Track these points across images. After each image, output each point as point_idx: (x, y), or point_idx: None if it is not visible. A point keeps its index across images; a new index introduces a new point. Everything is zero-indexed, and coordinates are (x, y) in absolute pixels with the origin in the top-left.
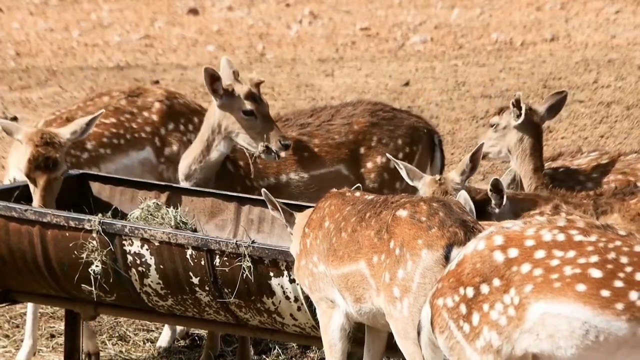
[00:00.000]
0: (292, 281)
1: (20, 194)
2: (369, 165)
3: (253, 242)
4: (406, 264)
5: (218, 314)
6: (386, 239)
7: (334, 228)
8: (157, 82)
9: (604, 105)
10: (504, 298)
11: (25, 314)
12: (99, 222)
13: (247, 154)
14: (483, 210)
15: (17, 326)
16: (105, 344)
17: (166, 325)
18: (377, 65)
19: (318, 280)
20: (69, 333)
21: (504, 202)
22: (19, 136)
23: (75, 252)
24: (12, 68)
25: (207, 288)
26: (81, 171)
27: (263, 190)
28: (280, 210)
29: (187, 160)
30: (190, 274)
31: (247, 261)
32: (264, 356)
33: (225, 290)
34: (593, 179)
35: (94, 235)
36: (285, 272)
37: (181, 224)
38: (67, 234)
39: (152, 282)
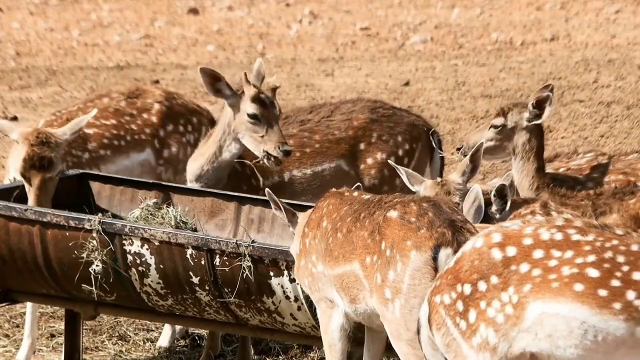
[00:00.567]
0: (292, 281)
1: (21, 193)
2: (369, 161)
3: (253, 241)
4: (396, 266)
5: (218, 313)
6: (378, 240)
7: (331, 228)
8: (157, 82)
9: (604, 105)
10: (502, 296)
11: (25, 313)
12: (99, 221)
13: (250, 156)
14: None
15: (17, 326)
16: (105, 344)
17: (166, 325)
18: (377, 65)
19: (317, 280)
20: (68, 333)
21: (507, 208)
22: (14, 136)
23: (75, 251)
24: (12, 68)
25: (207, 288)
26: (81, 171)
27: (266, 190)
28: (283, 210)
29: (200, 161)
30: (191, 273)
31: (247, 261)
32: (264, 356)
33: (225, 289)
34: (593, 178)
35: (94, 235)
36: (285, 272)
37: (181, 223)
38: (67, 234)
39: (152, 281)
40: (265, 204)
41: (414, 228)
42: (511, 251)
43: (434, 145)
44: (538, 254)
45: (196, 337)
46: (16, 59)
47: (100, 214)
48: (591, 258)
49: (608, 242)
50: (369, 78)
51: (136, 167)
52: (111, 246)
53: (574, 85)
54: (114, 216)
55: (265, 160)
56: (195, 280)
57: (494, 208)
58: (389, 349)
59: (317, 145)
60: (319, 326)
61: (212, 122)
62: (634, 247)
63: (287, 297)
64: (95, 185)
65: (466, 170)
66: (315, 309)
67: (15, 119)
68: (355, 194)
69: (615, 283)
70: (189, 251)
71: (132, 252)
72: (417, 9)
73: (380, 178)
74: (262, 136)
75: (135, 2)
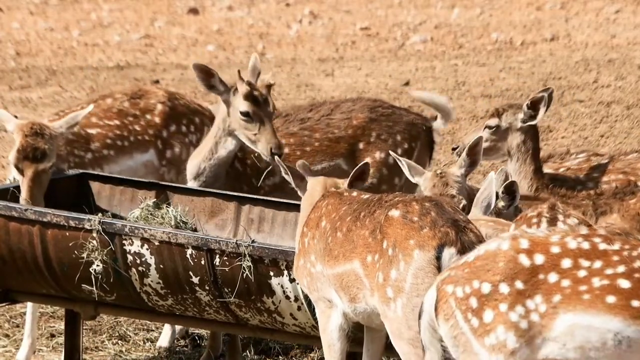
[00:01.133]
0: (292, 281)
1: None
2: (368, 160)
3: (253, 241)
4: (399, 265)
5: (218, 313)
6: (379, 239)
7: (330, 227)
8: (157, 81)
9: (604, 105)
10: (527, 302)
11: (25, 313)
12: (99, 221)
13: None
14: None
15: (17, 326)
16: (105, 344)
17: (166, 325)
18: (377, 65)
19: (316, 280)
20: (68, 333)
21: (515, 204)
22: (11, 127)
23: (76, 251)
24: (12, 68)
25: (207, 288)
26: (81, 171)
27: (276, 157)
28: (290, 174)
29: (197, 159)
30: (190, 273)
31: (247, 261)
32: (264, 356)
33: (225, 289)
34: (593, 178)
35: (94, 234)
36: (285, 272)
37: (181, 223)
38: (67, 234)
39: (152, 281)
40: (265, 204)
41: (416, 227)
42: (539, 259)
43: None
44: (566, 263)
45: (196, 337)
46: (16, 59)
47: (100, 214)
48: (621, 269)
49: (635, 250)
50: (369, 78)
51: (139, 168)
52: (111, 246)
53: (574, 85)
54: (114, 216)
55: (261, 159)
56: (195, 280)
57: (501, 204)
58: (388, 348)
59: (316, 143)
60: (318, 326)
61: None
62: None
63: (287, 297)
64: (95, 185)
65: (464, 164)
66: (315, 308)
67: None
68: (354, 193)
69: None
70: (189, 251)
71: (132, 252)
72: (417, 9)
73: (379, 177)
74: (255, 134)
75: (135, 2)
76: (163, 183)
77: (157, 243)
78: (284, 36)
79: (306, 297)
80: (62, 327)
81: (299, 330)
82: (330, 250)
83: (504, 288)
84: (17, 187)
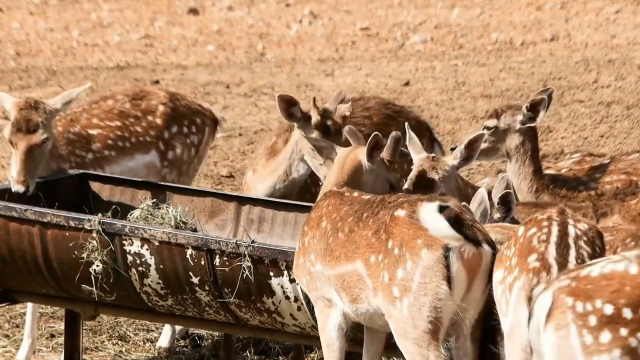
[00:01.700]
0: (292, 281)
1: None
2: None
3: (253, 241)
4: (406, 264)
5: (218, 313)
6: (384, 239)
7: (330, 228)
8: (157, 82)
9: (604, 105)
10: None
11: (25, 313)
12: (99, 221)
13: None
14: None
15: (17, 326)
16: (105, 344)
17: (166, 325)
18: (377, 65)
19: (315, 279)
20: (68, 333)
21: (511, 215)
22: (8, 105)
23: (76, 252)
24: (12, 68)
25: (207, 288)
26: (81, 171)
27: (298, 129)
28: (319, 148)
29: (271, 179)
30: (190, 273)
31: (247, 261)
32: (264, 356)
33: (225, 290)
34: (595, 179)
35: (94, 235)
36: (285, 272)
37: (181, 223)
38: (67, 234)
39: (152, 281)
40: (265, 204)
41: (423, 227)
42: None
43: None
44: None
45: (196, 338)
46: (16, 59)
47: (100, 214)
48: None
49: None
50: (369, 78)
51: (141, 169)
52: (111, 246)
53: (574, 85)
54: (114, 216)
55: None
56: (195, 280)
57: (496, 215)
58: (388, 348)
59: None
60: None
61: (215, 122)
62: None
63: (287, 297)
64: (95, 186)
65: (459, 157)
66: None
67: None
68: (355, 194)
69: None
70: (189, 251)
71: (132, 252)
72: (417, 9)
73: (400, 174)
74: (321, 164)
75: (135, 2)
76: (163, 183)
77: (157, 243)
78: (284, 36)
79: (306, 297)
80: (62, 327)
81: (299, 330)
82: (331, 250)
83: (628, 313)
84: None
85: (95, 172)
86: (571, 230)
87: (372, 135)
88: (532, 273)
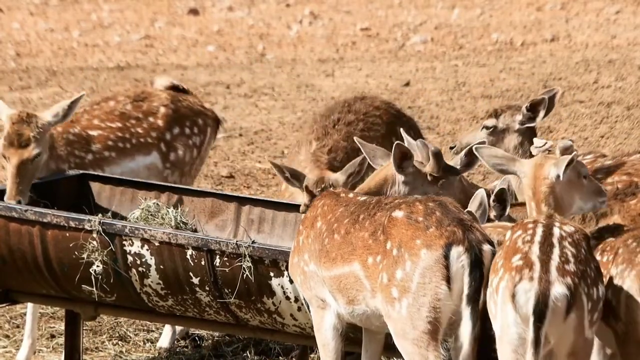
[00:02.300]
0: (292, 281)
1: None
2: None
3: (253, 242)
4: (405, 265)
5: (218, 314)
6: (382, 240)
7: (326, 229)
8: None
9: (604, 105)
10: None
11: (25, 314)
12: (99, 222)
13: None
14: None
15: (18, 326)
16: (105, 345)
17: (166, 326)
18: (378, 66)
19: (309, 279)
20: (69, 333)
21: (506, 214)
22: (3, 116)
23: (76, 252)
24: (12, 68)
25: (207, 288)
26: (81, 171)
27: (356, 138)
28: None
29: None
30: (191, 274)
31: (248, 261)
32: (264, 357)
33: (226, 290)
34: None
35: (94, 235)
36: (286, 273)
37: (181, 224)
38: (68, 234)
39: (152, 282)
40: (265, 204)
41: (422, 227)
42: None
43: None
44: None
45: (196, 338)
46: (16, 60)
47: (100, 215)
48: None
49: None
50: (369, 78)
51: (142, 170)
52: (111, 247)
53: (574, 85)
54: (114, 217)
55: None
56: (196, 280)
57: (492, 214)
58: (387, 349)
59: (374, 142)
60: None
61: (217, 122)
62: None
63: (288, 298)
64: (95, 186)
65: (460, 163)
66: None
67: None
68: (351, 195)
69: None
70: (189, 252)
71: (132, 252)
72: (417, 9)
73: None
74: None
75: (135, 3)
76: (163, 184)
77: (157, 244)
78: (284, 36)
79: None
80: (62, 327)
81: (299, 330)
82: (327, 252)
83: None
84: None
85: (95, 173)
86: (556, 231)
87: (395, 145)
88: (514, 271)
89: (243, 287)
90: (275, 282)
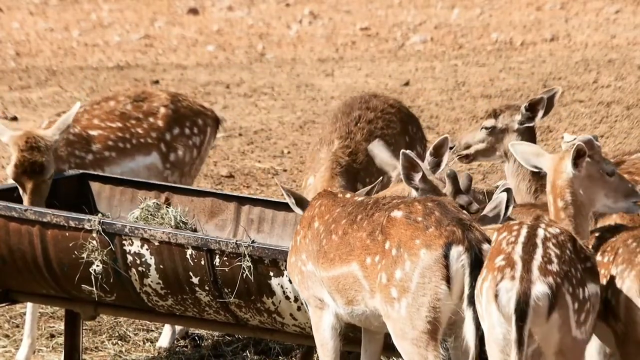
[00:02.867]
0: (292, 281)
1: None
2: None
3: (253, 241)
4: (404, 265)
5: (218, 313)
6: (381, 240)
7: (323, 230)
8: (157, 82)
9: (604, 105)
10: None
11: (25, 313)
12: (99, 222)
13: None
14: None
15: (17, 326)
16: (105, 344)
17: (166, 325)
18: (377, 65)
19: (306, 279)
20: (68, 333)
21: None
22: (5, 139)
23: (76, 252)
24: (12, 68)
25: (207, 288)
26: (81, 171)
27: (404, 152)
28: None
29: None
30: (190, 273)
31: (247, 261)
32: (264, 356)
33: (225, 290)
34: None
35: (94, 235)
36: (285, 272)
37: (181, 223)
38: (67, 234)
39: (152, 282)
40: (265, 204)
41: (421, 227)
42: None
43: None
44: None
45: (196, 338)
46: (16, 59)
47: (100, 214)
48: None
49: None
50: (368, 78)
51: (142, 170)
52: (111, 246)
53: (574, 85)
54: (114, 216)
55: None
56: (195, 280)
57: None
58: (387, 349)
59: (392, 140)
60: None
61: (217, 122)
62: None
63: (287, 298)
64: (95, 186)
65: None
66: None
67: (15, 119)
68: (348, 195)
69: None
70: (189, 251)
71: (132, 252)
72: (417, 9)
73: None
74: None
75: (135, 2)
76: (163, 183)
77: (157, 243)
78: (284, 36)
79: None
80: (62, 327)
81: (299, 330)
82: (325, 253)
83: None
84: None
85: (95, 173)
86: (540, 233)
87: (401, 155)
88: (497, 271)
89: (243, 287)
90: (274, 282)
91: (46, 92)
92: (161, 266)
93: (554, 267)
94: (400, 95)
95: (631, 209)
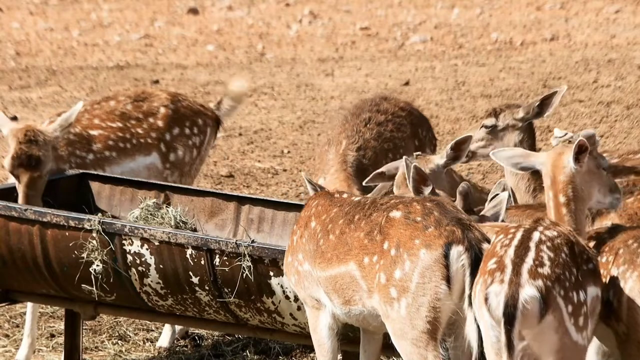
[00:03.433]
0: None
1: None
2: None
3: (253, 241)
4: (404, 265)
5: (218, 313)
6: (379, 240)
7: (320, 230)
8: (157, 81)
9: (603, 104)
10: None
11: (25, 313)
12: (99, 221)
13: None
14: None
15: (17, 326)
16: (105, 344)
17: (166, 325)
18: (377, 65)
19: (303, 279)
20: (68, 333)
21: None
22: (5, 131)
23: (75, 251)
24: (12, 68)
25: (207, 288)
26: (81, 171)
27: (407, 160)
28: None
29: None
30: (190, 273)
31: (247, 261)
32: (264, 356)
33: (225, 289)
34: None
35: (94, 235)
36: None
37: (181, 223)
38: (67, 234)
39: (152, 281)
40: (265, 203)
41: (421, 227)
42: None
43: None
44: None
45: (196, 337)
46: (16, 59)
47: (100, 214)
48: None
49: None
50: (368, 78)
51: (142, 170)
52: (111, 246)
53: (574, 85)
54: (114, 216)
55: None
56: (195, 280)
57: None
58: (387, 348)
59: (402, 143)
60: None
61: (217, 122)
62: None
63: (287, 297)
64: (95, 185)
65: (446, 156)
66: None
67: (15, 119)
68: (345, 195)
69: None
70: (189, 251)
71: (132, 252)
72: (417, 9)
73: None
74: None
75: (135, 2)
76: (163, 183)
77: (157, 243)
78: (284, 36)
79: None
80: (62, 327)
81: (298, 330)
82: (322, 252)
83: None
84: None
85: (95, 172)
86: (535, 236)
87: (412, 168)
88: (487, 274)
89: (243, 287)
90: (274, 282)
91: (46, 92)
92: (161, 266)
93: (545, 270)
94: (400, 95)
95: (614, 204)
